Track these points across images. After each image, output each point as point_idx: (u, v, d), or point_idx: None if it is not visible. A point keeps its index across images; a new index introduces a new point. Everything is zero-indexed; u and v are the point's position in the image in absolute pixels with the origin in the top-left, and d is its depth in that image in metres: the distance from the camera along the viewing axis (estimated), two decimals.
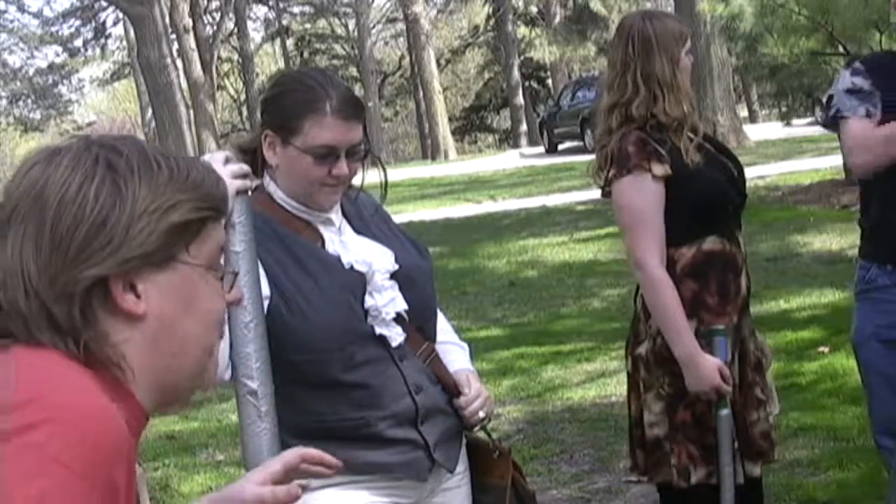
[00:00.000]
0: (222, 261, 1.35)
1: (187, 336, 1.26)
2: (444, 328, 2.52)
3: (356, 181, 2.38)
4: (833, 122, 3.33)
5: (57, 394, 1.14)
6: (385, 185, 2.42)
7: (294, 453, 1.60)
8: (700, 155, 3.06)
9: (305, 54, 42.32)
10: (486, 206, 16.57)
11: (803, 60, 11.20)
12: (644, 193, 3.00)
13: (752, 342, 3.15)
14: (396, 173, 24.54)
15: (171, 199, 1.22)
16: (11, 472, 1.06)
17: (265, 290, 2.17)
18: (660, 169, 2.99)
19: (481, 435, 2.54)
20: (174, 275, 1.23)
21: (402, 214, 14.50)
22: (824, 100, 3.44)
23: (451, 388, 2.41)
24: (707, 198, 3.04)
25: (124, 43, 38.88)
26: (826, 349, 6.57)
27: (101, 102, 51.33)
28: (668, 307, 2.96)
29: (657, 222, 3.00)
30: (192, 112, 26.73)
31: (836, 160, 13.54)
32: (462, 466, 2.47)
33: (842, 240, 9.90)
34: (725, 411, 2.96)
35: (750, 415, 3.08)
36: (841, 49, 10.73)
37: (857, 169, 3.35)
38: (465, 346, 2.56)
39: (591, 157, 3.23)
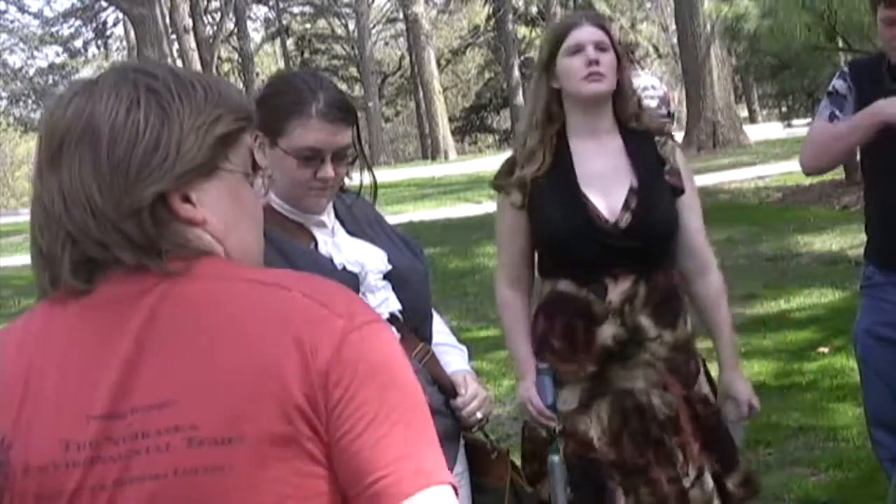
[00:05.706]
0: None
1: (246, 236, 1.36)
2: (441, 330, 2.52)
3: (353, 183, 2.37)
4: None
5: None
6: (375, 187, 2.40)
7: None
8: (556, 196, 2.86)
9: (305, 54, 42.32)
10: (486, 206, 16.49)
11: (803, 54, 11.14)
12: (502, 215, 2.98)
13: (657, 397, 2.83)
14: (396, 173, 24.57)
15: (212, 114, 1.31)
16: (382, 339, 1.27)
17: None
18: (516, 197, 2.91)
19: (479, 436, 2.53)
20: (221, 182, 1.32)
21: (401, 214, 14.50)
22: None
23: (448, 389, 2.41)
24: (547, 243, 2.92)
25: (125, 43, 38.86)
26: (826, 349, 6.56)
27: None
28: (508, 330, 2.98)
29: (509, 246, 2.97)
30: None
31: None
32: (461, 467, 2.46)
33: (842, 240, 9.88)
34: (555, 458, 2.77)
35: (652, 471, 2.80)
36: (841, 43, 10.70)
37: (804, 166, 3.42)
38: (464, 348, 2.56)
39: None
